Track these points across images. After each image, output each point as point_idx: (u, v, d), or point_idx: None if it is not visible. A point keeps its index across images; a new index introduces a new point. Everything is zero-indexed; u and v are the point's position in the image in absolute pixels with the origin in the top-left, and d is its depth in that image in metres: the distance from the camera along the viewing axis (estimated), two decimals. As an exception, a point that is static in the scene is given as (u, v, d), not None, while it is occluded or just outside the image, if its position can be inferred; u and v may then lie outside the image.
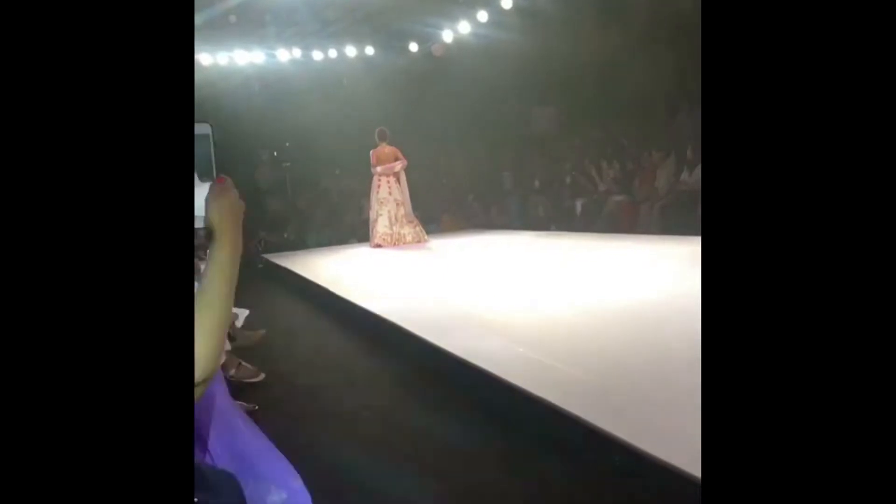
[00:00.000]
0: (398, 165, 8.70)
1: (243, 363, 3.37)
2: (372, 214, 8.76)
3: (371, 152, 8.70)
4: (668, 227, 7.00)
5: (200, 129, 0.91)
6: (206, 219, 0.88)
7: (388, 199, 8.67)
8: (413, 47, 11.14)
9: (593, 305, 3.78)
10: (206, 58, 10.06)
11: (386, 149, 8.68)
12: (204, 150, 0.91)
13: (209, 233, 0.88)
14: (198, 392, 0.81)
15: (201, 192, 0.89)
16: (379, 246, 8.54)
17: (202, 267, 0.88)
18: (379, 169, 8.66)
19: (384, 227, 8.62)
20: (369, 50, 11.11)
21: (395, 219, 8.66)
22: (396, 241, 8.59)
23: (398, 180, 8.78)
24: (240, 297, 0.97)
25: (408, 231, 8.72)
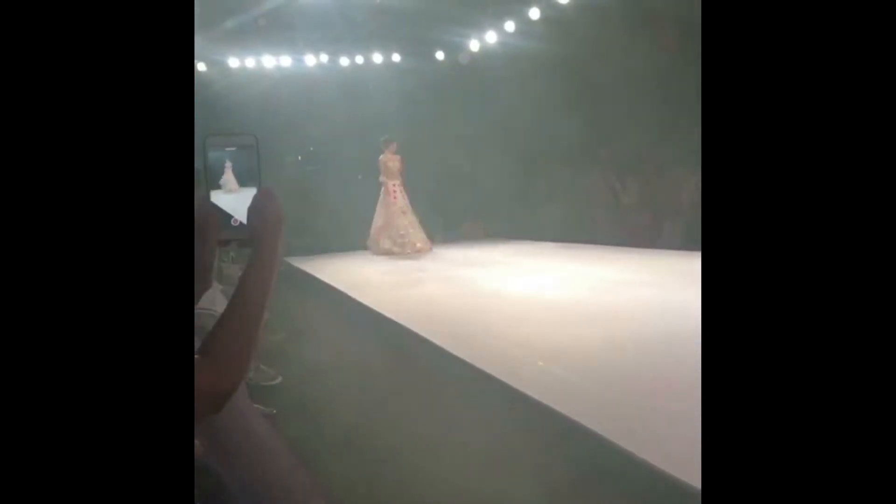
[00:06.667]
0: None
1: (262, 366, 3.39)
2: (399, 222, 8.89)
3: (380, 159, 8.96)
4: (690, 242, 6.92)
5: (247, 139, 0.95)
6: (248, 226, 0.89)
7: (407, 207, 8.99)
8: (440, 55, 11.16)
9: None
10: (234, 61, 10.16)
11: (393, 157, 8.97)
12: (250, 159, 0.94)
13: (249, 240, 0.89)
14: (223, 401, 0.80)
15: (245, 198, 0.91)
16: (415, 251, 8.71)
17: (238, 273, 0.89)
18: (393, 181, 8.94)
19: (413, 236, 8.89)
20: (396, 57, 11.15)
21: (412, 225, 8.95)
22: (420, 247, 8.81)
23: (404, 186, 9.13)
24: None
25: (420, 237, 8.95)
